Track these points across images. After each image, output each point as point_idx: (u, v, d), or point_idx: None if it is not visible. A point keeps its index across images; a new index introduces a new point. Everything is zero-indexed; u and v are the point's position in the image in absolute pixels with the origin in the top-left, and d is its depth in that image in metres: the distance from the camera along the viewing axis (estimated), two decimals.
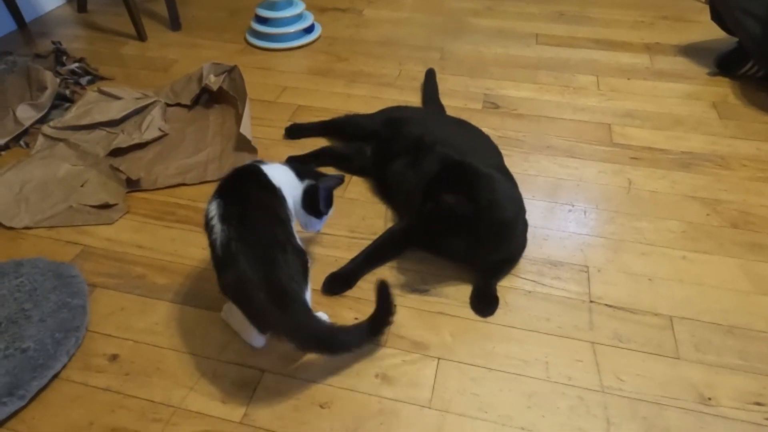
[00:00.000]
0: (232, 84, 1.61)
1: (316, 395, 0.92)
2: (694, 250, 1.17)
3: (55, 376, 0.94)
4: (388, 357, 0.98)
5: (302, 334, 0.87)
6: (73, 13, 2.24)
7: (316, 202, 1.03)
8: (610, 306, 1.06)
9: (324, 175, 1.07)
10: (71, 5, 2.29)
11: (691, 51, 1.91)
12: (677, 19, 2.14)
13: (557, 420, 0.88)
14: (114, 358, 0.98)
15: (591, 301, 1.07)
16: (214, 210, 0.91)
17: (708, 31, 2.03)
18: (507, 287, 1.10)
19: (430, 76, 1.65)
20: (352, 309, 1.06)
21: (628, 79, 1.77)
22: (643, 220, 1.25)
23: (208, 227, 0.91)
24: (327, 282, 1.10)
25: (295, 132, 1.51)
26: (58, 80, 1.64)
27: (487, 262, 1.09)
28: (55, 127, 1.49)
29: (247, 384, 0.93)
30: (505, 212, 1.02)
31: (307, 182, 1.03)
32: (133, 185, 1.34)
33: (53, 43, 1.85)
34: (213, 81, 1.58)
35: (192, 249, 1.18)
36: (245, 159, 1.39)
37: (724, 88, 1.71)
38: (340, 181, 1.08)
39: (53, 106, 1.58)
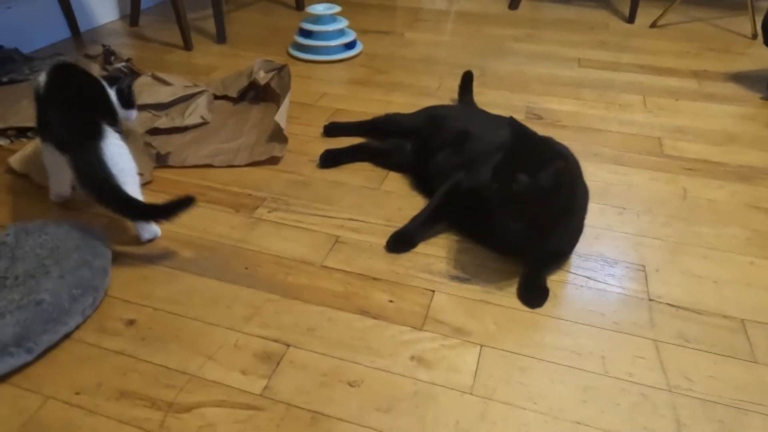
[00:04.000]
0: (280, 82, 1.61)
1: (344, 373, 0.83)
2: (762, 256, 1.07)
3: (68, 336, 0.87)
4: (425, 340, 0.89)
5: (87, 169, 0.96)
6: (125, 26, 2.33)
7: (126, 98, 1.22)
8: (673, 305, 0.96)
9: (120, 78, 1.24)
10: (124, 20, 2.39)
11: (740, 78, 1.86)
12: (724, 51, 2.10)
13: (618, 416, 0.77)
14: (131, 323, 0.91)
15: (650, 300, 0.97)
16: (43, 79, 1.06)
17: (757, 62, 1.99)
18: (556, 281, 1.01)
19: (467, 79, 1.62)
20: (386, 292, 0.98)
21: (676, 99, 1.71)
22: (702, 225, 1.16)
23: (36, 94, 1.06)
24: (390, 241, 1.06)
25: (333, 130, 1.48)
26: (104, 72, 1.67)
27: (540, 251, 1.00)
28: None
29: (271, 357, 0.85)
30: (577, 198, 0.96)
31: (116, 86, 1.21)
32: (162, 160, 1.33)
33: (103, 45, 1.90)
34: (262, 77, 1.58)
35: (221, 227, 1.13)
36: (275, 150, 1.36)
37: None
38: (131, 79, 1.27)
39: None
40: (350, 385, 0.81)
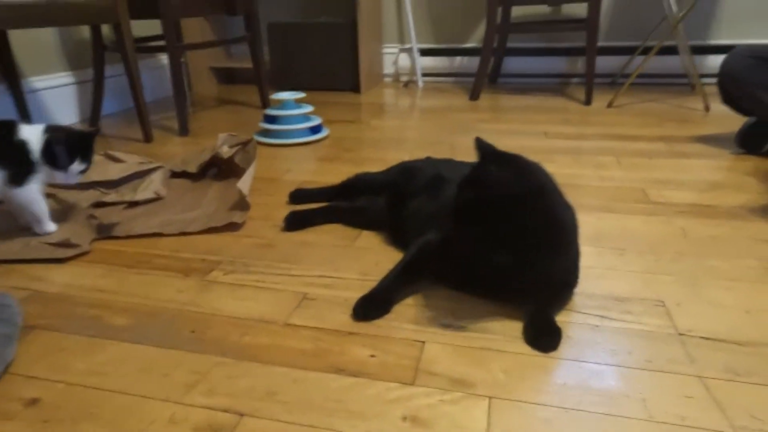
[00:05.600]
0: (244, 157, 1.51)
1: None
2: None
3: None
4: (418, 396, 0.69)
5: None
6: (85, 127, 2.27)
7: (53, 156, 1.09)
8: (708, 339, 0.80)
9: (70, 131, 1.13)
10: (83, 122, 2.34)
11: (706, 139, 1.87)
12: (683, 121, 2.15)
13: None
14: (33, 402, 0.69)
15: (680, 334, 0.81)
16: None
17: (717, 127, 2.03)
18: (565, 322, 0.85)
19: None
20: (366, 346, 0.80)
21: (650, 158, 1.69)
22: (713, 259, 1.04)
23: None
24: (360, 306, 0.87)
25: (299, 197, 1.36)
26: None
27: (537, 284, 0.85)
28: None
29: (218, 431, 0.64)
30: (556, 205, 0.83)
31: (46, 136, 1.09)
32: (105, 231, 1.17)
33: None
34: (225, 151, 1.49)
35: (166, 291, 0.96)
36: (236, 216, 1.23)
37: (754, 163, 1.62)
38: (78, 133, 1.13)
39: None
40: None
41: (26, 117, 2.09)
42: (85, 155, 1.13)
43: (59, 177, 1.11)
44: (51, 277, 1.02)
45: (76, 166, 1.12)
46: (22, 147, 1.06)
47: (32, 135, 1.08)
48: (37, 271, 1.04)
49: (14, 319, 0.79)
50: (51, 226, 1.14)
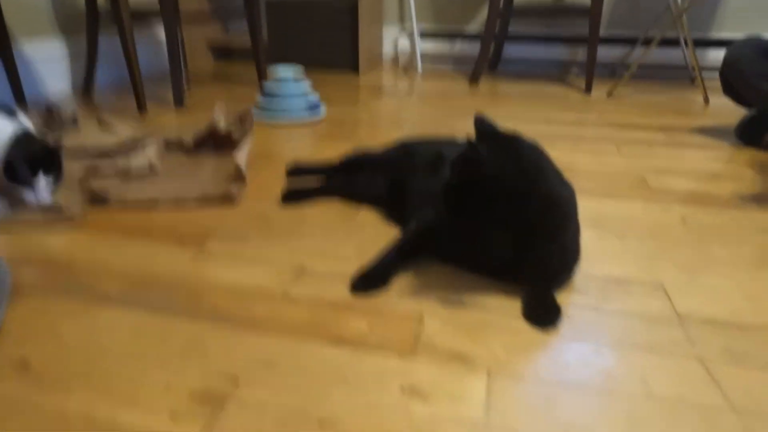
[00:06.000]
0: (241, 130, 1.49)
1: (313, 410, 0.61)
2: None
3: None
4: (417, 369, 0.69)
5: None
6: (77, 95, 2.23)
7: (11, 171, 1.04)
8: (708, 322, 0.80)
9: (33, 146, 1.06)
10: (76, 90, 2.30)
11: (705, 131, 1.87)
12: (683, 113, 2.15)
13: None
14: (23, 364, 0.68)
15: (680, 317, 0.81)
16: None
17: (717, 119, 2.03)
18: (565, 302, 0.84)
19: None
20: (364, 319, 0.79)
21: (649, 147, 1.68)
22: (713, 246, 1.04)
23: None
24: (358, 280, 0.86)
25: (296, 171, 1.34)
26: (44, 129, 1.52)
27: (537, 262, 0.84)
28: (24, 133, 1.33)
29: (213, 397, 0.63)
30: (553, 184, 0.82)
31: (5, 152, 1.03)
32: (98, 199, 1.14)
33: (46, 103, 1.77)
34: (222, 124, 1.46)
35: (160, 260, 0.94)
36: (232, 188, 1.20)
37: (753, 155, 1.62)
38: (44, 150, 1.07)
39: None
40: (321, 424, 0.59)
41: (17, 84, 2.04)
42: (50, 168, 1.08)
43: (28, 195, 1.07)
44: (43, 243, 0.99)
45: (43, 181, 1.07)
46: None
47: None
48: (29, 236, 1.02)
49: (4, 282, 0.77)
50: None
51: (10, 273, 0.81)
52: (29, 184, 1.05)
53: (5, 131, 1.04)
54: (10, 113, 1.10)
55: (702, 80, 2.31)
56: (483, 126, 0.86)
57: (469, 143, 0.83)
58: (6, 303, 0.76)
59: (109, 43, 2.37)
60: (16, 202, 1.10)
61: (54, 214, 1.07)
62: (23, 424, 0.58)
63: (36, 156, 1.05)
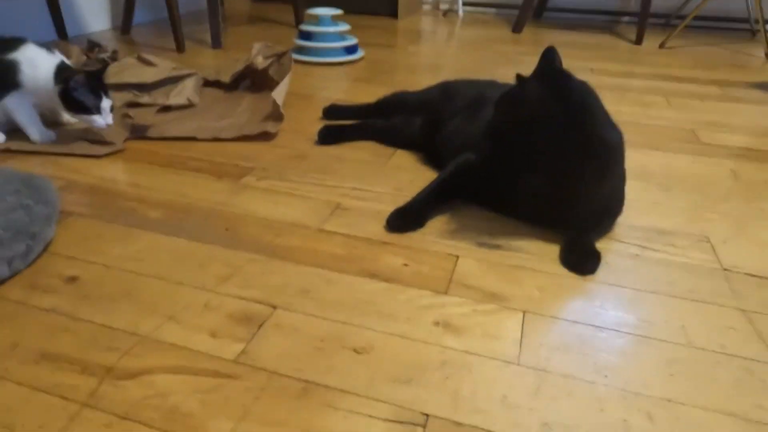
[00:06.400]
0: (279, 69, 1.46)
1: (348, 338, 0.62)
2: None
3: None
4: (451, 305, 0.69)
5: None
6: (116, 34, 2.23)
7: (72, 102, 1.03)
8: (755, 276, 0.77)
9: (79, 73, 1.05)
10: (115, 29, 2.30)
11: (763, 86, 1.76)
12: (740, 67, 2.02)
13: (720, 394, 0.57)
14: (72, 280, 0.71)
15: (725, 269, 0.78)
16: None
17: None
18: (605, 249, 0.82)
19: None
20: (399, 255, 0.79)
21: (702, 101, 1.60)
22: (763, 201, 0.99)
23: None
24: (393, 218, 0.86)
25: (333, 113, 1.33)
26: (84, 58, 1.53)
27: (579, 210, 0.82)
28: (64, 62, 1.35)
29: (251, 319, 0.65)
30: (600, 125, 0.78)
31: (59, 86, 1.03)
32: (138, 131, 1.16)
33: (88, 39, 1.79)
34: (260, 62, 1.44)
35: (200, 191, 0.95)
36: (269, 126, 1.20)
37: None
38: (95, 73, 1.06)
39: None
40: (356, 351, 0.60)
41: (59, 20, 2.06)
42: (105, 91, 1.07)
43: (97, 121, 1.05)
44: (88, 170, 1.02)
45: (106, 103, 1.06)
46: (8, 65, 1.03)
47: (35, 59, 1.04)
48: (74, 163, 1.04)
49: (53, 202, 0.79)
50: (36, 135, 1.10)
51: (59, 196, 0.84)
52: (97, 109, 1.05)
53: (51, 65, 1.05)
54: (44, 48, 1.11)
55: (766, 33, 2.16)
56: (549, 59, 0.81)
57: (520, 79, 0.80)
58: (55, 222, 0.79)
59: None
60: (59, 130, 1.13)
61: (99, 144, 1.09)
62: (73, 336, 0.61)
63: (96, 82, 1.06)
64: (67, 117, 1.16)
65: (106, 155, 1.08)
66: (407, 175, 1.05)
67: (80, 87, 1.03)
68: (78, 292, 0.68)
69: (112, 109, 1.07)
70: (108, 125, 1.08)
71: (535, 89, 0.78)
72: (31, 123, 1.09)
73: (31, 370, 0.56)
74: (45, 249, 0.76)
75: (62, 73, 1.05)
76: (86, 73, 1.04)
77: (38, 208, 0.75)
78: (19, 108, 1.07)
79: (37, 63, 1.04)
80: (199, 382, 0.55)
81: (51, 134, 1.11)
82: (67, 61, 1.09)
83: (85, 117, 1.05)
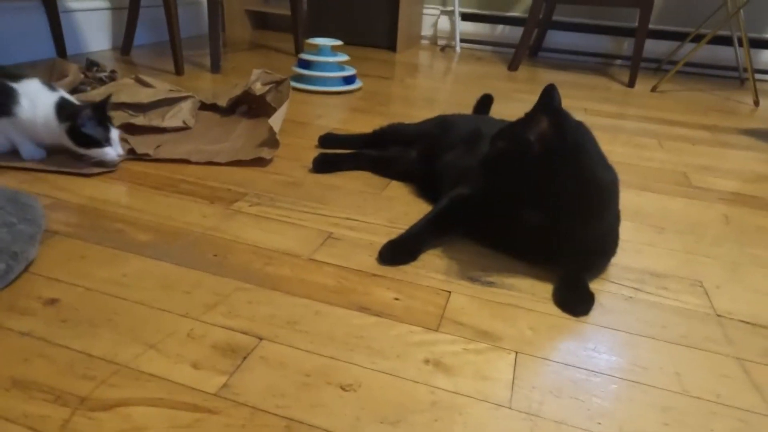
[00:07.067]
0: (277, 96, 1.47)
1: (335, 374, 0.60)
2: None
3: None
4: (442, 342, 0.67)
5: None
6: (116, 54, 2.24)
7: (81, 138, 1.03)
8: (748, 323, 0.76)
9: (81, 108, 1.04)
10: (115, 50, 2.31)
11: (753, 133, 1.79)
12: (730, 113, 2.06)
13: None
14: (52, 302, 0.68)
15: (719, 315, 0.78)
16: None
17: (765, 123, 1.94)
18: (599, 290, 0.81)
19: (485, 101, 1.52)
20: (390, 289, 0.77)
21: (693, 144, 1.62)
22: (757, 248, 0.99)
23: None
24: (386, 250, 0.85)
25: (329, 142, 1.33)
26: (82, 76, 1.53)
27: (573, 248, 0.81)
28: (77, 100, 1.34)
29: (236, 351, 0.63)
30: (596, 165, 0.79)
31: (65, 124, 1.03)
32: (130, 152, 1.15)
33: (87, 58, 1.79)
34: (258, 88, 1.45)
35: (190, 215, 0.94)
36: (264, 152, 1.20)
37: None
38: (100, 105, 1.05)
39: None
40: (343, 389, 0.58)
41: (59, 38, 2.07)
42: (111, 121, 1.08)
43: (108, 153, 1.05)
44: (76, 189, 1.00)
45: (114, 133, 1.07)
46: (7, 91, 1.02)
47: (36, 94, 1.04)
48: (63, 182, 1.03)
49: (38, 220, 0.78)
50: (24, 153, 1.07)
51: (45, 215, 0.82)
52: (107, 141, 1.05)
53: (51, 101, 1.04)
54: (47, 85, 1.10)
55: (754, 81, 2.21)
56: (548, 97, 0.82)
57: (527, 115, 0.80)
58: (39, 241, 0.77)
59: (150, 2, 2.38)
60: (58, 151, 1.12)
61: (92, 164, 1.08)
62: (48, 362, 0.59)
63: (102, 114, 1.05)
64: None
65: (97, 175, 1.06)
66: (401, 207, 1.04)
67: (88, 121, 1.03)
68: (57, 315, 0.66)
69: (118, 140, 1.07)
70: (119, 155, 1.07)
71: (533, 125, 0.78)
72: (22, 141, 1.07)
73: (1, 398, 0.53)
74: (26, 269, 0.74)
75: (65, 109, 1.04)
76: (92, 107, 1.04)
77: (21, 227, 0.74)
78: (9, 130, 1.05)
79: (37, 99, 1.04)
80: (177, 416, 0.53)
81: (41, 152, 1.09)
82: (68, 96, 1.09)
83: (96, 151, 1.05)
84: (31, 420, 0.51)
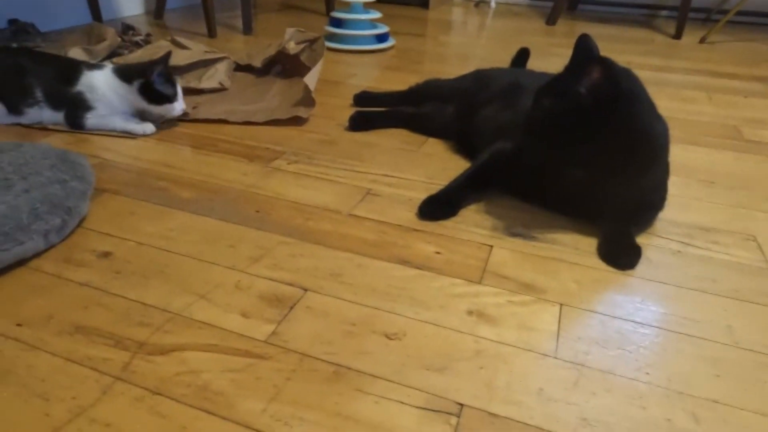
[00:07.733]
0: (311, 55, 1.45)
1: (379, 324, 0.61)
2: None
3: (23, 264, 0.68)
4: (485, 294, 0.67)
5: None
6: (149, 18, 2.25)
7: (153, 94, 1.06)
8: None
9: (148, 66, 1.07)
10: (148, 14, 2.32)
11: None
12: None
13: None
14: (106, 255, 0.71)
15: None
16: None
17: None
18: (645, 244, 0.79)
19: (522, 55, 1.47)
20: (431, 243, 0.77)
21: (745, 97, 1.54)
22: None
23: None
24: (426, 205, 0.84)
25: (364, 100, 1.31)
26: (119, 40, 1.55)
27: (617, 202, 0.79)
28: (116, 64, 1.36)
29: (282, 301, 0.64)
30: (646, 115, 0.75)
31: (137, 82, 1.05)
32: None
33: (122, 23, 1.80)
34: (292, 47, 1.43)
35: (231, 173, 0.95)
36: (300, 111, 1.19)
37: None
38: (164, 61, 1.07)
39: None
40: (388, 337, 0.59)
41: (95, 3, 2.08)
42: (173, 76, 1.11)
43: (176, 108, 1.08)
44: (121, 150, 1.02)
45: (179, 89, 1.09)
46: (75, 96, 1.06)
47: (94, 79, 1.07)
48: (108, 143, 1.05)
49: (88, 177, 0.80)
50: (138, 129, 1.09)
51: (94, 174, 0.84)
52: (176, 96, 1.08)
53: (106, 78, 1.07)
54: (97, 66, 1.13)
55: None
56: (584, 48, 0.79)
57: (567, 70, 0.77)
58: (89, 198, 0.79)
59: None
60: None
61: (137, 126, 1.10)
62: (106, 310, 0.61)
63: (168, 71, 1.08)
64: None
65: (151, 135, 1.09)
66: (439, 164, 1.03)
67: (159, 78, 1.05)
68: (111, 267, 0.68)
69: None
70: (183, 110, 1.11)
71: (585, 77, 0.75)
72: (126, 123, 1.09)
73: (66, 342, 0.56)
74: (79, 224, 0.76)
75: (125, 72, 1.07)
76: (162, 64, 1.06)
77: (74, 183, 0.76)
78: (105, 121, 1.08)
79: (95, 85, 1.07)
80: (230, 361, 0.55)
81: (150, 126, 1.10)
82: (112, 64, 1.11)
83: (167, 107, 1.08)
84: (94, 362, 0.54)
